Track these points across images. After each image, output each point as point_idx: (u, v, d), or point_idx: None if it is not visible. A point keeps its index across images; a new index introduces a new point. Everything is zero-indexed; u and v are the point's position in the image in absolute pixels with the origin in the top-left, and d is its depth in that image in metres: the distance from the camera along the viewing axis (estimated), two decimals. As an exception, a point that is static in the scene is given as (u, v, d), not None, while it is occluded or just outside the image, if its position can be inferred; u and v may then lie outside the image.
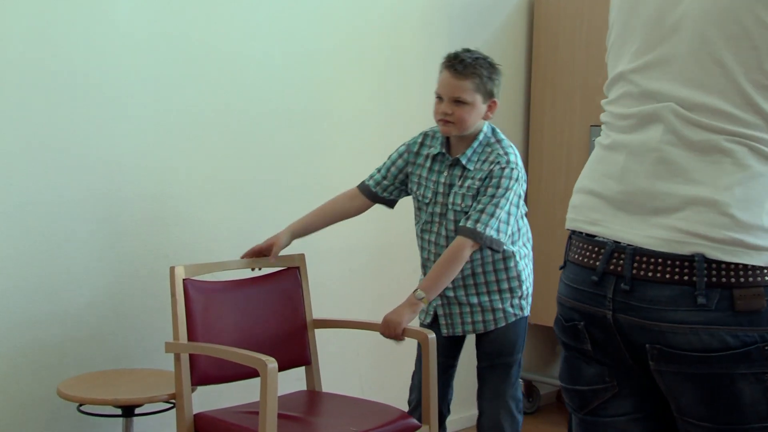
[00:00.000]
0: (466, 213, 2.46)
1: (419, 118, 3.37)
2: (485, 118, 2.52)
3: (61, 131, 2.48)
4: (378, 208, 2.73)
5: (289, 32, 2.98)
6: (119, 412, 2.39)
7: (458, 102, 2.45)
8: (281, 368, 2.29)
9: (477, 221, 2.42)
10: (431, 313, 2.62)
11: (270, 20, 2.92)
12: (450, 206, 2.50)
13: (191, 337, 2.38)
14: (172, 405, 2.44)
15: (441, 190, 2.52)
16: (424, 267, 2.61)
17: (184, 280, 2.40)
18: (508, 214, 2.45)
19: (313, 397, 2.62)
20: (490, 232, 2.42)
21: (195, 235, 2.78)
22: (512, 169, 2.46)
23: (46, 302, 2.49)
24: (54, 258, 2.49)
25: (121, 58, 2.58)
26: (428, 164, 2.56)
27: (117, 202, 2.60)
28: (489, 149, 2.50)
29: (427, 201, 2.55)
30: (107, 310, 2.61)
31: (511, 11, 3.65)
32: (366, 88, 3.21)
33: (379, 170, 2.66)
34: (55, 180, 2.47)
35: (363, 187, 2.65)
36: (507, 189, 2.44)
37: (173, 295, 2.38)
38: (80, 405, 2.41)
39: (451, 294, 2.56)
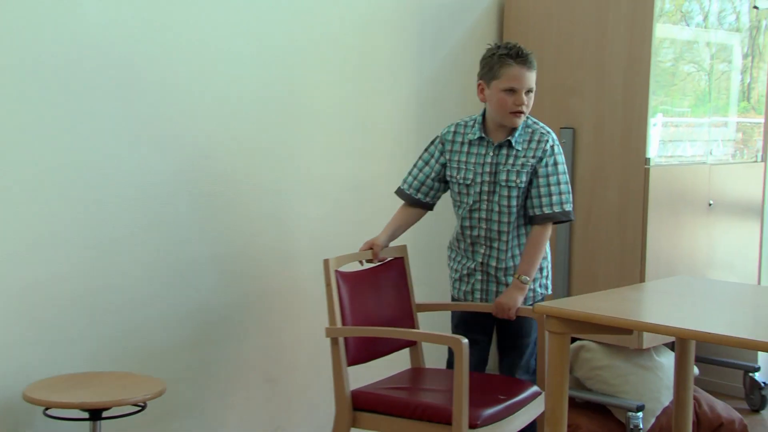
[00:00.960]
0: (520, 187, 2.71)
1: (392, 115, 3.40)
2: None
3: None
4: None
5: (263, 31, 2.97)
6: (87, 415, 2.38)
7: (529, 92, 2.69)
8: (397, 348, 2.78)
9: (559, 203, 2.70)
10: (470, 289, 2.84)
11: (244, 19, 2.92)
12: (502, 183, 2.72)
13: (344, 322, 2.63)
14: (140, 408, 2.43)
15: (487, 170, 2.74)
16: (474, 245, 2.80)
17: (336, 271, 2.63)
18: (569, 185, 2.75)
19: (432, 373, 2.85)
20: (569, 207, 2.73)
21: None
22: (558, 145, 2.74)
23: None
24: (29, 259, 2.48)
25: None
26: (466, 149, 2.78)
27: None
28: (530, 130, 2.74)
29: (468, 182, 2.77)
30: (77, 312, 2.60)
31: (481, 13, 3.67)
32: (339, 87, 3.22)
33: (412, 174, 2.87)
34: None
35: (402, 194, 2.88)
36: (563, 164, 2.74)
37: (328, 284, 2.60)
38: (46, 409, 2.39)
39: (492, 272, 2.79)
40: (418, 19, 3.43)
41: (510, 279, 2.78)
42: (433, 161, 2.83)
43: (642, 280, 3.28)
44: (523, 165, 2.71)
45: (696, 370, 3.56)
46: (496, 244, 2.77)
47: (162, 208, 2.77)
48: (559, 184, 2.71)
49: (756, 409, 3.87)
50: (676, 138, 3.53)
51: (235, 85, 2.92)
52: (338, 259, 2.68)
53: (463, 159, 2.77)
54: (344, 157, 3.24)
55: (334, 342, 2.58)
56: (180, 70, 2.79)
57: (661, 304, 2.68)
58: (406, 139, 3.45)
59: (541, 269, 2.79)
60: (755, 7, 3.75)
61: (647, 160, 3.31)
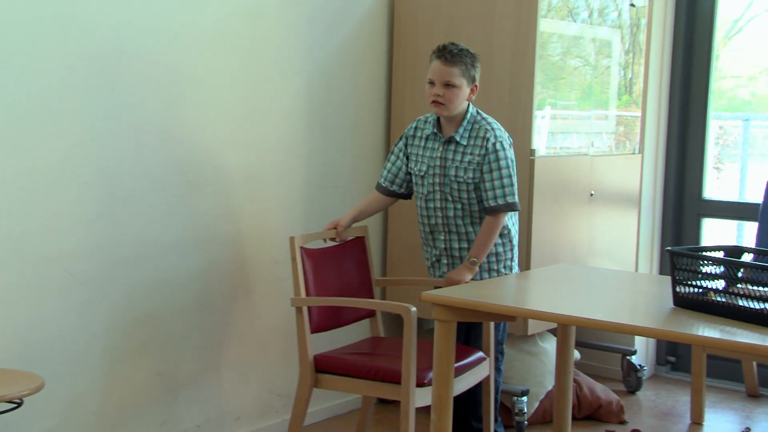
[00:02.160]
0: (468, 183, 2.95)
1: (282, 105, 3.37)
2: (468, 99, 2.98)
3: None
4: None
5: (149, 19, 2.89)
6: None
7: (448, 85, 2.92)
8: (357, 319, 3.10)
9: (502, 196, 2.92)
10: (441, 274, 3.06)
11: (129, 6, 2.83)
12: (452, 178, 2.97)
13: (308, 293, 2.90)
14: (16, 405, 2.34)
15: (437, 163, 3.00)
16: (432, 233, 3.05)
17: (301, 247, 2.90)
18: (511, 177, 2.95)
19: (387, 341, 3.14)
20: (512, 199, 2.94)
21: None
22: (502, 141, 2.96)
23: None
24: None
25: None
26: (422, 143, 3.05)
27: None
28: (477, 126, 2.98)
29: (422, 174, 3.03)
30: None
31: (372, 3, 3.68)
32: (228, 76, 3.16)
33: (386, 168, 3.14)
34: None
35: (378, 187, 3.15)
36: (505, 158, 2.95)
37: (294, 259, 2.88)
38: None
39: (457, 254, 3.02)
40: (309, 7, 3.41)
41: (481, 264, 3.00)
42: (401, 156, 3.10)
43: (527, 267, 3.37)
44: (469, 162, 2.95)
45: (577, 355, 3.70)
46: (454, 229, 3.01)
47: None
48: (501, 178, 2.93)
49: (632, 391, 4.05)
50: (563, 130, 3.65)
51: (119, 74, 2.83)
52: (303, 236, 2.96)
53: (420, 153, 3.05)
54: (233, 147, 3.20)
55: (299, 311, 2.87)
56: (62, 59, 2.68)
57: (544, 291, 2.76)
58: (298, 128, 3.43)
59: (504, 252, 3.03)
60: (632, 5, 3.90)
61: (532, 152, 3.40)
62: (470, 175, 2.95)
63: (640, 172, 4.08)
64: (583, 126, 3.73)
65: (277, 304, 3.34)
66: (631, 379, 4.05)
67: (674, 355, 4.36)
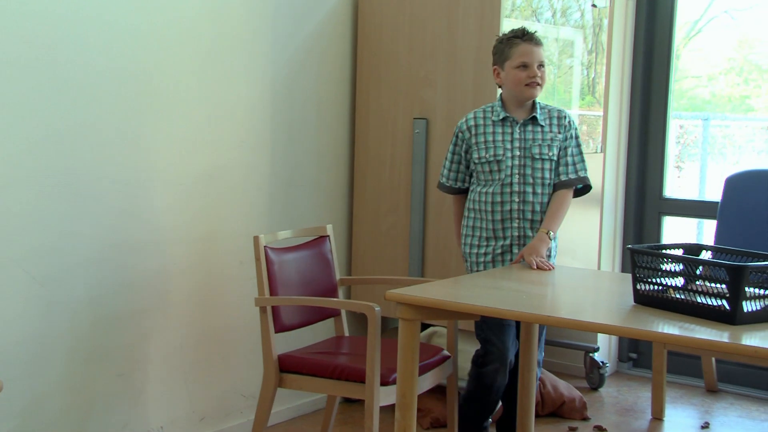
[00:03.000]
0: (552, 160, 2.98)
1: (246, 104, 3.35)
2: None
3: None
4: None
5: (109, 15, 2.86)
6: None
7: (541, 66, 2.96)
8: (322, 318, 3.08)
9: (582, 169, 3.02)
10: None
11: (90, 4, 2.79)
12: (536, 156, 2.96)
13: (272, 293, 2.89)
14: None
15: (516, 145, 2.98)
16: (504, 221, 2.98)
17: (265, 246, 2.88)
18: (584, 155, 3.05)
19: (352, 340, 3.13)
20: (587, 174, 3.04)
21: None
22: (573, 120, 3.06)
23: None
24: None
25: None
26: (490, 130, 3.00)
27: None
28: (547, 109, 3.04)
29: (500, 158, 2.97)
30: None
31: (336, 2, 3.67)
32: (191, 75, 3.14)
33: (446, 167, 3.09)
34: None
35: (447, 189, 3.11)
36: (580, 137, 3.06)
37: (258, 259, 2.86)
38: None
39: (530, 234, 2.99)
40: (272, 7, 3.40)
41: (537, 222, 3.00)
42: (461, 152, 3.05)
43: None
44: (552, 139, 2.99)
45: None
46: (529, 215, 2.98)
47: (-1, 197, 2.62)
48: (580, 153, 3.03)
49: (595, 387, 4.09)
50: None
51: (78, 72, 2.80)
52: (267, 236, 2.95)
53: (490, 139, 3.00)
54: (196, 148, 3.18)
55: (263, 311, 2.86)
56: (19, 54, 2.64)
57: (507, 289, 2.78)
58: (261, 127, 3.42)
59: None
60: (594, 5, 3.94)
61: (496, 151, 3.41)
62: (554, 151, 2.98)
63: (603, 171, 4.12)
64: (546, 125, 3.76)
65: (241, 304, 3.32)
66: (593, 376, 4.09)
67: (636, 352, 4.41)
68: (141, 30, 2.97)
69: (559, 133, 3.01)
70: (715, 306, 2.30)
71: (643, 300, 2.47)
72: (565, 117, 3.04)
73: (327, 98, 3.67)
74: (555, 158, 3.00)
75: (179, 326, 3.17)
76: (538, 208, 2.99)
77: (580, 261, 3.95)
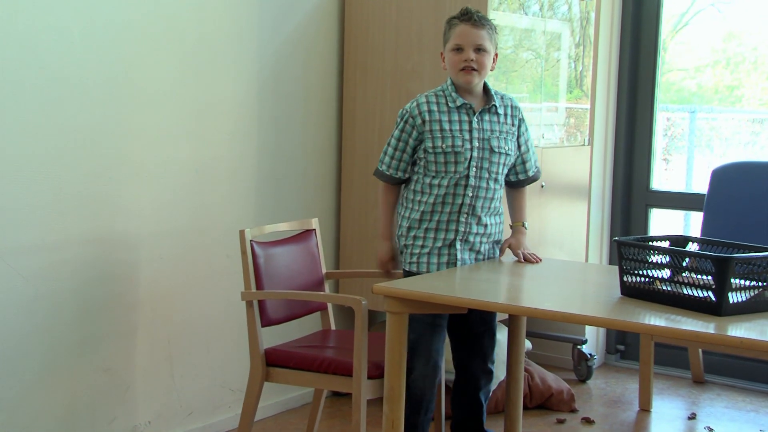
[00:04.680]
0: (509, 155, 2.82)
1: (232, 96, 3.34)
2: (491, 68, 2.79)
3: None
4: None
5: (89, 7, 2.84)
6: None
7: (479, 50, 2.72)
8: (309, 312, 3.04)
9: (536, 164, 2.92)
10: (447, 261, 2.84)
11: (68, -6, 2.78)
12: (494, 149, 2.78)
13: (258, 287, 2.87)
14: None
15: (476, 135, 2.76)
16: (451, 214, 2.79)
17: (251, 241, 2.86)
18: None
19: (338, 334, 3.11)
20: (538, 165, 2.95)
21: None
22: (521, 108, 2.89)
23: None
24: None
25: None
26: (446, 117, 2.76)
27: None
28: (500, 95, 2.84)
29: (458, 149, 2.75)
30: None
31: (323, -6, 3.66)
32: (175, 67, 3.12)
33: (388, 154, 2.83)
34: None
35: (388, 178, 2.85)
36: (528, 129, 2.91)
37: (244, 252, 2.83)
38: None
39: (472, 239, 2.83)
40: (258, 0, 3.38)
41: (485, 246, 2.87)
42: (411, 141, 2.80)
43: (479, 259, 3.39)
44: (507, 132, 2.83)
45: (528, 345, 3.73)
46: (479, 211, 2.81)
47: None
48: (533, 146, 2.92)
49: (583, 379, 4.10)
50: (515, 122, 3.67)
51: (63, 67, 2.78)
52: (253, 230, 2.92)
53: (447, 128, 2.76)
54: (181, 141, 3.16)
55: (249, 305, 2.84)
56: (2, 51, 2.62)
57: (495, 282, 2.78)
58: (248, 120, 3.40)
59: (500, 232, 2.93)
60: (581, -2, 3.94)
61: (484, 144, 3.41)
62: (510, 145, 2.82)
63: (590, 163, 4.13)
64: (535, 118, 3.76)
65: (229, 298, 3.31)
66: (581, 368, 4.11)
67: (623, 344, 4.43)
68: (126, 24, 2.95)
69: (513, 125, 2.85)
70: (701, 297, 2.31)
71: (630, 292, 2.48)
72: (517, 107, 2.88)
73: (314, 91, 3.66)
74: (510, 153, 2.84)
75: (166, 320, 3.16)
76: (487, 204, 2.83)
77: (567, 253, 3.96)
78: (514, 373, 3.02)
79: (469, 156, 2.76)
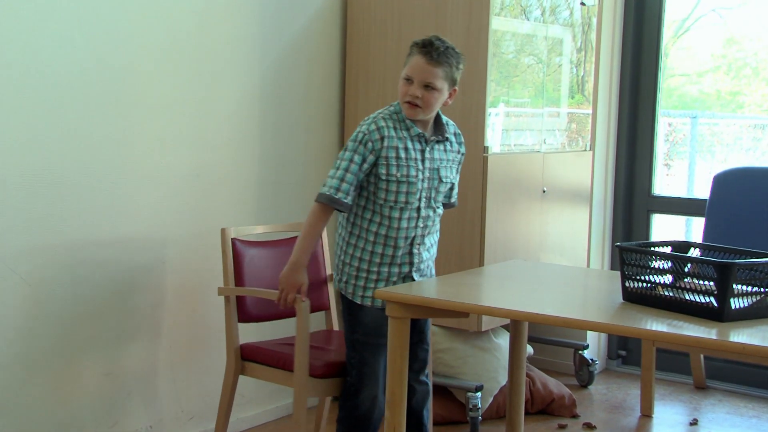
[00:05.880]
0: (451, 183, 2.75)
1: (233, 102, 3.34)
2: (445, 104, 2.66)
3: None
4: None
5: (91, 13, 2.84)
6: None
7: (428, 87, 2.57)
8: (292, 314, 2.88)
9: (456, 196, 2.83)
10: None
11: (77, 4, 2.79)
12: (443, 179, 2.69)
13: (238, 284, 2.93)
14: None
15: (428, 165, 2.66)
16: (404, 247, 2.66)
17: (232, 239, 2.92)
18: None
19: (330, 333, 3.14)
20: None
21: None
22: None
23: None
24: None
25: None
26: (403, 144, 2.61)
27: None
28: (447, 123, 2.74)
29: (412, 180, 2.62)
30: None
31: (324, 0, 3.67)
32: (176, 73, 3.13)
33: (346, 180, 2.56)
34: None
35: (341, 205, 2.58)
36: None
37: (224, 250, 2.90)
38: None
39: (424, 266, 2.74)
40: (259, 3, 3.39)
41: (428, 270, 2.78)
42: (365, 165, 2.59)
43: (481, 264, 3.40)
44: (452, 160, 2.74)
45: (530, 350, 3.73)
46: (427, 241, 2.72)
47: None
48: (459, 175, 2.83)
49: (584, 385, 4.10)
50: (516, 127, 3.67)
51: (64, 71, 2.78)
52: (237, 228, 2.99)
53: (403, 155, 2.60)
54: (182, 146, 3.16)
55: (227, 300, 2.91)
56: (3, 55, 2.63)
57: (497, 287, 2.78)
58: (249, 125, 3.41)
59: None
60: (583, 4, 3.94)
61: (486, 149, 3.42)
62: (454, 174, 2.75)
63: (592, 168, 4.13)
64: (536, 123, 3.77)
65: (230, 302, 3.31)
66: (583, 374, 4.10)
67: (625, 349, 4.43)
68: (127, 29, 2.95)
69: (459, 152, 2.76)
70: (703, 303, 2.31)
71: (631, 297, 2.48)
72: (460, 134, 2.78)
73: (315, 96, 3.67)
74: (454, 181, 2.75)
75: (167, 325, 3.16)
76: (432, 230, 2.73)
77: (569, 259, 3.96)
78: (516, 378, 3.02)
79: (420, 187, 2.64)
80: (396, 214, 2.63)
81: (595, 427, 3.58)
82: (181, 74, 3.14)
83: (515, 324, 2.99)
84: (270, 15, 3.43)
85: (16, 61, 2.66)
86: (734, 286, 2.27)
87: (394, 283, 2.69)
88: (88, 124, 2.86)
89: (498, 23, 3.44)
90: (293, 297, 2.65)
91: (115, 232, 2.97)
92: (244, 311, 2.94)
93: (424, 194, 2.66)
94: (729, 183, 3.86)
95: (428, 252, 2.75)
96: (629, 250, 2.49)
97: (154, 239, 3.09)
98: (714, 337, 2.17)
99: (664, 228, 4.45)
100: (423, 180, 2.64)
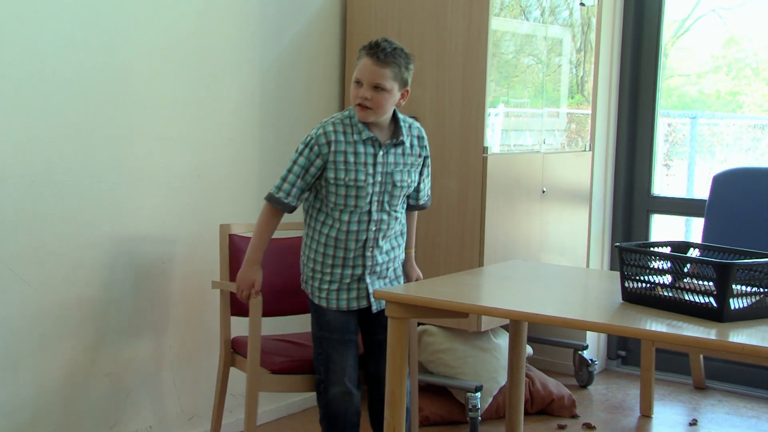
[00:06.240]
0: (409, 187, 2.72)
1: (233, 102, 3.34)
2: (398, 105, 2.67)
3: None
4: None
5: (92, 13, 2.85)
6: None
7: (378, 88, 2.59)
8: (296, 311, 3.07)
9: (427, 196, 2.84)
10: (357, 296, 2.74)
11: (69, 2, 2.79)
12: (396, 183, 2.68)
13: (233, 278, 2.93)
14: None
15: (380, 170, 2.66)
16: (356, 249, 2.69)
17: (230, 234, 2.98)
18: None
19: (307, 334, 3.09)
20: (430, 197, 2.88)
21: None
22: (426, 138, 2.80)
23: None
24: None
25: None
26: (352, 149, 2.64)
27: None
28: (408, 125, 2.73)
29: (360, 184, 2.63)
30: None
31: (324, 0, 3.67)
32: (176, 73, 3.13)
33: (288, 181, 2.65)
34: None
35: (283, 205, 2.67)
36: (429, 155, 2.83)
37: (222, 246, 2.97)
38: None
39: (378, 269, 2.74)
40: (259, 3, 3.39)
41: (391, 272, 2.78)
42: (312, 169, 2.64)
43: (481, 264, 3.40)
44: (411, 164, 2.73)
45: (529, 350, 3.73)
46: (381, 243, 2.72)
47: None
48: (430, 175, 2.84)
49: (584, 385, 4.10)
50: (516, 128, 3.68)
51: (64, 72, 2.79)
52: (236, 225, 3.01)
53: (351, 160, 2.63)
54: (183, 146, 3.17)
55: (223, 293, 2.97)
56: (4, 55, 2.63)
57: (497, 287, 2.79)
58: (250, 126, 3.41)
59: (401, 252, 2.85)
60: (582, 4, 3.95)
61: (485, 149, 3.42)
62: (413, 177, 2.74)
63: (591, 169, 4.13)
64: (536, 124, 3.77)
65: (230, 302, 3.31)
66: (582, 374, 4.10)
67: (624, 350, 4.43)
68: (128, 30, 2.96)
69: (420, 155, 2.75)
70: (702, 303, 2.31)
71: (631, 298, 2.48)
72: (423, 137, 2.77)
73: (316, 96, 3.67)
74: (413, 184, 2.74)
75: (167, 325, 3.16)
76: (390, 233, 2.73)
77: (568, 259, 3.96)
78: (515, 378, 3.02)
79: (371, 191, 2.65)
80: (345, 218, 2.66)
81: (594, 427, 3.58)
82: (182, 74, 3.14)
83: (515, 324, 2.99)
84: (270, 16, 3.43)
85: (17, 61, 2.67)
86: (734, 286, 2.27)
87: (348, 284, 2.71)
88: (88, 124, 2.87)
89: (497, 23, 3.44)
90: (247, 294, 2.72)
91: (116, 233, 2.97)
92: (238, 305, 2.94)
93: (375, 198, 2.67)
94: (728, 183, 3.86)
95: (386, 255, 2.75)
96: (629, 250, 2.49)
97: (154, 239, 3.09)
98: (713, 337, 2.17)
99: (664, 228, 4.46)
100: (374, 184, 2.66)
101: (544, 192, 3.77)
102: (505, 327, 3.72)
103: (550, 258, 3.84)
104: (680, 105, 4.63)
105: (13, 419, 2.74)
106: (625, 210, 4.41)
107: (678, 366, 4.23)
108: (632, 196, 4.41)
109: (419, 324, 3.68)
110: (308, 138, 2.67)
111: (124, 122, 2.98)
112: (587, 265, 4.13)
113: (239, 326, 3.00)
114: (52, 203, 2.79)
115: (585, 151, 4.08)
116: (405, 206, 2.80)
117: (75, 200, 2.84)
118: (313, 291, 2.75)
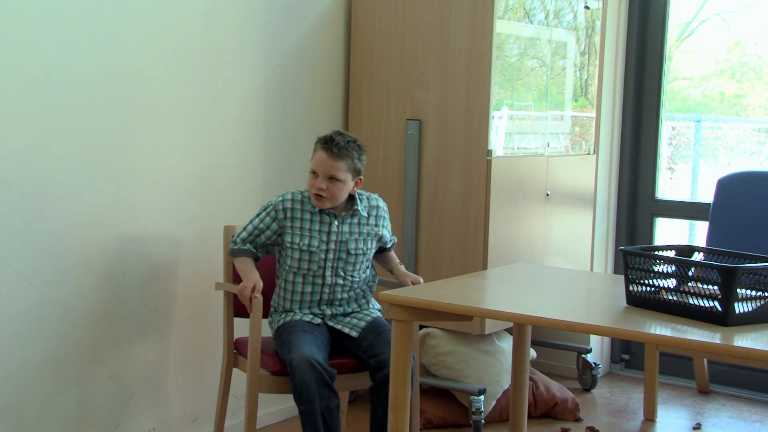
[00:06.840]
0: (365, 254, 2.90)
1: (237, 106, 3.34)
2: (351, 192, 2.87)
3: None
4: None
5: (97, 17, 2.85)
6: None
7: (332, 179, 2.79)
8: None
9: (391, 237, 3.03)
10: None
11: (73, 4, 2.79)
12: (351, 251, 2.87)
13: (236, 280, 2.98)
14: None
15: (333, 238, 2.85)
16: (310, 306, 2.89)
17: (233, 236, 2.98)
18: None
19: None
20: (394, 236, 3.08)
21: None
22: (385, 205, 3.01)
23: None
24: None
25: None
26: (308, 217, 2.86)
27: None
28: (366, 197, 2.94)
29: (313, 249, 2.84)
30: None
31: (329, 4, 3.67)
32: (181, 76, 3.13)
33: (246, 230, 2.90)
34: None
35: (254, 256, 2.90)
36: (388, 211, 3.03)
37: (226, 247, 3.01)
38: None
39: (340, 317, 2.91)
40: (263, 6, 3.39)
41: (353, 303, 2.93)
42: (268, 232, 2.88)
43: (484, 267, 3.40)
44: (368, 233, 2.91)
45: (533, 353, 3.73)
46: (339, 295, 2.90)
47: (-10, 197, 2.61)
48: (389, 226, 3.01)
49: (587, 389, 4.10)
50: (520, 131, 3.67)
51: (68, 74, 2.79)
52: (239, 226, 2.99)
53: (306, 226, 2.86)
54: (187, 148, 3.17)
55: (226, 295, 3.01)
56: (8, 57, 2.63)
57: (500, 290, 2.78)
58: (253, 128, 3.41)
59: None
60: (587, 7, 3.95)
61: (489, 152, 3.42)
62: (370, 245, 2.92)
63: (595, 172, 4.13)
64: (540, 127, 3.77)
65: (233, 304, 3.31)
66: (586, 377, 4.10)
67: (628, 353, 4.42)
68: (131, 31, 2.96)
69: (376, 225, 2.93)
70: (707, 307, 2.31)
71: (635, 301, 2.48)
72: (381, 207, 2.96)
73: (320, 99, 3.67)
74: (369, 251, 2.92)
75: (171, 327, 3.17)
76: (346, 294, 2.91)
77: (572, 262, 3.96)
78: (519, 381, 3.02)
79: (324, 257, 2.85)
80: (299, 279, 2.87)
81: (598, 430, 3.57)
82: (186, 77, 3.14)
83: (518, 327, 2.99)
84: (275, 19, 3.43)
85: (22, 64, 2.67)
86: (738, 290, 2.26)
87: (312, 329, 2.83)
88: (93, 127, 2.87)
89: (502, 26, 3.44)
90: (248, 294, 2.78)
91: (120, 235, 2.97)
92: (241, 306, 2.93)
93: (329, 264, 2.86)
94: (733, 187, 3.85)
95: (347, 306, 2.92)
96: (633, 253, 2.49)
97: (159, 242, 3.09)
98: (718, 341, 2.17)
99: (668, 232, 4.45)
100: (327, 251, 2.85)
101: (548, 195, 3.76)
102: (508, 330, 3.72)
103: (553, 261, 3.84)
104: (684, 108, 4.63)
105: (16, 421, 2.74)
106: (629, 213, 4.41)
107: (682, 370, 4.22)
108: (636, 200, 4.41)
109: (422, 327, 3.68)
110: (268, 204, 2.91)
111: (128, 124, 2.98)
112: (591, 269, 4.13)
113: (242, 328, 3.00)
114: (57, 205, 2.79)
115: (589, 154, 4.08)
116: (366, 271, 2.94)
117: (79, 202, 2.85)
118: (274, 320, 2.93)
